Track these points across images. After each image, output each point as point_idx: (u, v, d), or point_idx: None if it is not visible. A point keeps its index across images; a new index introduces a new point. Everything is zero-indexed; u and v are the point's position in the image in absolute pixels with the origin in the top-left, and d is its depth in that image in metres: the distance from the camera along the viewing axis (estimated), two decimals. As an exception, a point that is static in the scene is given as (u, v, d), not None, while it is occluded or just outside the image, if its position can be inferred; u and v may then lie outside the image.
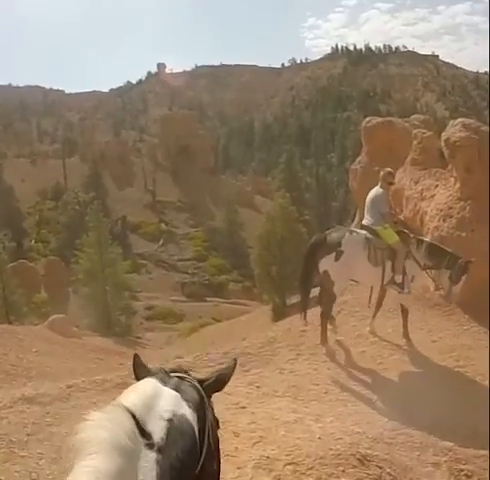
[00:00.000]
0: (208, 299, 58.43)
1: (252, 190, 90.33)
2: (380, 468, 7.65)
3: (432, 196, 18.78)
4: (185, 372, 2.55)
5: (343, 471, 7.35)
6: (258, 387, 10.25)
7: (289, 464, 7.40)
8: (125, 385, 7.84)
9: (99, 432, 1.99)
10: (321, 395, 10.18)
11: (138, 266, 65.10)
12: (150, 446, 2.07)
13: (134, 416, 2.09)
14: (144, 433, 2.08)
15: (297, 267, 29.81)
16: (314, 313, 14.05)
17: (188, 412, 2.25)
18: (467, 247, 15.90)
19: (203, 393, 2.43)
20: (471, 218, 16.64)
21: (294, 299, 27.73)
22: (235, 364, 2.74)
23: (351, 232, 12.31)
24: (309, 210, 71.62)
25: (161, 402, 2.19)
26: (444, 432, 9.14)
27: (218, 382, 2.57)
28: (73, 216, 64.24)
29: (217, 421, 2.63)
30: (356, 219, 27.51)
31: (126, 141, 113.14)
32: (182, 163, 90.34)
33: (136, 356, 2.61)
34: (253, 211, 75.07)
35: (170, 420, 2.15)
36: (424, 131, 22.75)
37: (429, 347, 12.52)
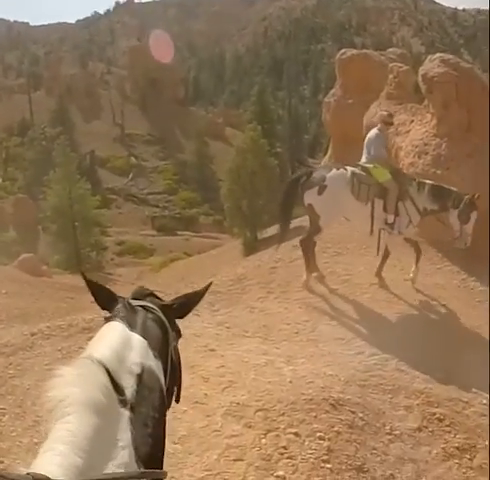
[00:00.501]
0: (179, 233, 58.09)
1: (223, 122, 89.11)
2: (353, 413, 7.52)
3: (407, 132, 18.44)
4: (149, 295, 2.61)
5: (315, 417, 7.18)
6: (228, 328, 10.02)
7: (260, 410, 7.20)
8: (90, 330, 7.52)
9: (73, 390, 1.82)
10: (292, 335, 9.99)
11: (108, 201, 64.23)
12: (123, 403, 1.95)
13: (108, 370, 1.95)
14: (118, 389, 1.95)
15: (268, 201, 29.75)
16: (285, 249, 13.81)
17: (155, 364, 2.23)
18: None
19: (167, 325, 2.48)
20: (447, 156, 16.37)
21: (265, 233, 27.57)
22: (206, 289, 2.84)
23: (338, 168, 12.04)
24: (281, 143, 70.85)
25: (131, 354, 2.13)
26: (416, 374, 9.05)
27: (182, 308, 2.67)
28: (40, 152, 62.83)
29: (180, 335, 2.73)
30: (328, 152, 27.18)
31: (93, 73, 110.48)
32: (151, 95, 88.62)
33: (91, 283, 2.57)
34: (224, 144, 74.13)
35: (139, 375, 2.09)
36: (400, 65, 22.26)
37: (402, 286, 12.37)
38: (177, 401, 2.68)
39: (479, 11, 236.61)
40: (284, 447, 6.67)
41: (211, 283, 2.99)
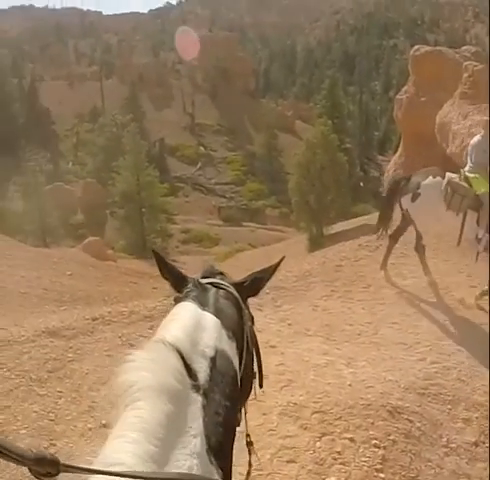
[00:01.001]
0: (244, 224, 58.23)
1: (293, 115, 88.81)
2: (410, 422, 7.38)
3: (481, 133, 18.08)
4: (220, 274, 2.54)
5: (372, 423, 7.07)
6: (290, 325, 9.97)
7: (317, 412, 7.14)
8: (152, 318, 7.59)
9: (144, 375, 1.75)
10: (354, 336, 9.87)
11: (175, 189, 64.88)
12: (196, 388, 1.87)
13: (181, 354, 1.87)
14: (191, 373, 1.88)
15: (336, 197, 29.52)
16: (351, 247, 13.69)
17: (228, 345, 2.16)
18: (514, 189, 15.30)
19: (241, 303, 2.44)
20: (521, 157, 15.97)
21: (331, 230, 27.41)
22: (277, 266, 2.74)
23: (435, 175, 11.82)
24: (350, 138, 70.23)
25: (204, 335, 2.05)
26: (477, 385, 8.83)
27: (254, 285, 2.60)
28: (110, 138, 63.81)
29: (252, 318, 2.66)
30: (399, 150, 26.82)
31: (165, 63, 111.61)
32: (222, 86, 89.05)
33: (160, 260, 2.50)
34: (293, 137, 73.93)
35: (213, 359, 2.01)
36: (475, 64, 21.82)
37: (468, 292, 12.06)
38: (260, 386, 2.65)
39: None
40: (338, 452, 6.59)
41: (282, 259, 2.85)
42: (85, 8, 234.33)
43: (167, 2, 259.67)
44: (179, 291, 2.37)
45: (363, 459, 6.54)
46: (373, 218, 22.46)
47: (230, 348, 2.15)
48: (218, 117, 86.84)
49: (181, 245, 51.58)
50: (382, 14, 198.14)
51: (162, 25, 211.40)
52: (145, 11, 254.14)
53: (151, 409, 1.68)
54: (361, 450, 6.67)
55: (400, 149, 26.47)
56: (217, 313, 2.19)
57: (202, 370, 1.92)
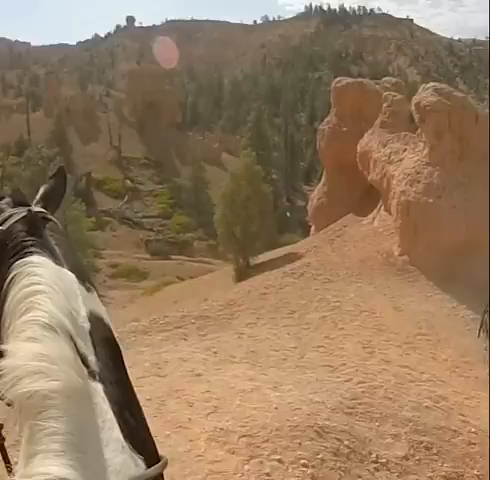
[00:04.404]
0: (173, 257, 57.98)
1: (219, 147, 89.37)
2: (338, 440, 7.45)
3: (400, 160, 18.58)
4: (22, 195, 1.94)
5: (300, 444, 7.12)
6: (215, 353, 9.96)
7: (243, 436, 7.14)
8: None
9: (46, 380, 1.43)
10: (280, 361, 9.95)
11: (102, 223, 64.23)
12: (92, 375, 1.57)
13: (72, 340, 1.53)
14: (83, 360, 1.55)
15: (261, 227, 29.83)
16: (276, 276, 13.83)
17: (91, 302, 1.73)
18: (434, 213, 15.78)
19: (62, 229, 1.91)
20: (438, 184, 16.47)
21: (257, 259, 27.58)
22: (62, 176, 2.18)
23: None
24: (276, 169, 71.09)
25: (75, 305, 1.63)
26: (404, 402, 9.01)
27: (54, 201, 2.05)
28: (36, 171, 62.71)
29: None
30: (322, 179, 27.30)
31: (92, 95, 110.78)
32: (149, 119, 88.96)
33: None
34: (220, 169, 74.24)
35: (91, 332, 1.65)
36: (395, 94, 22.48)
37: (391, 313, 12.36)
38: None
39: (474, 41, 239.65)
40: (267, 474, 6.60)
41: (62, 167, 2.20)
42: (14, 38, 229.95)
43: (95, 34, 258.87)
44: None
45: (292, 479, 6.57)
46: (298, 247, 22.86)
47: (93, 303, 1.75)
48: (145, 150, 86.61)
49: (109, 280, 50.92)
50: (307, 47, 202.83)
51: (90, 57, 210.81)
52: (73, 43, 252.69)
53: (65, 415, 1.44)
54: (290, 470, 6.70)
55: (323, 178, 26.92)
56: (67, 262, 1.73)
57: (89, 351, 1.61)
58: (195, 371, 8.97)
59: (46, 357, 1.46)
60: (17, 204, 1.86)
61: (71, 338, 1.54)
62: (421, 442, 8.07)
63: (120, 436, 1.55)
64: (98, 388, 1.56)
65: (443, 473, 7.61)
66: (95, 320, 1.69)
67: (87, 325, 1.64)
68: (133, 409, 1.71)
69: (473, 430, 8.53)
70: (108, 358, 1.68)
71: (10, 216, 1.78)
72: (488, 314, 12.07)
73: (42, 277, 1.61)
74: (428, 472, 7.59)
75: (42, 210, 1.86)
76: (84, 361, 1.55)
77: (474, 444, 8.19)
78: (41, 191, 2.05)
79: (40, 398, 1.43)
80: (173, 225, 68.39)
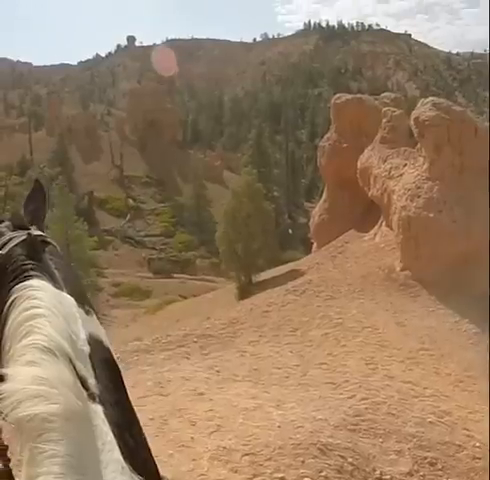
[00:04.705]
0: (175, 275, 57.94)
1: (221, 165, 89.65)
2: (342, 457, 7.43)
3: (400, 175, 18.62)
4: (30, 224, 1.91)
5: (303, 462, 7.10)
6: (218, 371, 9.95)
7: (246, 455, 7.12)
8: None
9: (46, 403, 1.45)
10: (282, 379, 9.93)
11: (105, 242, 64.30)
12: (92, 398, 1.57)
13: (72, 363, 1.55)
14: (83, 383, 1.57)
15: (263, 245, 29.87)
16: (278, 293, 13.84)
17: (91, 325, 1.73)
18: (434, 228, 15.79)
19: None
20: (439, 199, 16.49)
21: (259, 277, 27.59)
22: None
23: None
24: (278, 186, 71.28)
25: (74, 328, 1.65)
26: (408, 417, 8.98)
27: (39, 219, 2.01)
28: (39, 191, 63.21)
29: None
30: (324, 195, 27.36)
31: (94, 115, 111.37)
32: (150, 137, 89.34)
33: None
34: (221, 187, 74.42)
35: (90, 355, 1.66)
36: (394, 109, 22.58)
37: (394, 329, 12.35)
38: None
39: (473, 54, 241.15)
40: (271, 492, 6.60)
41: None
42: (15, 59, 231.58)
43: (96, 54, 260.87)
44: None
45: (296, 497, 6.55)
46: (300, 263, 22.88)
47: (92, 326, 1.76)
48: (147, 169, 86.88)
49: (112, 299, 50.88)
50: (307, 64, 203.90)
51: (91, 77, 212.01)
52: (74, 63, 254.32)
53: (65, 438, 1.47)
54: (294, 488, 6.69)
55: (324, 194, 26.98)
56: (66, 286, 1.74)
57: (89, 374, 1.62)
58: (198, 390, 8.96)
59: (45, 380, 1.48)
60: (17, 227, 1.86)
61: (70, 361, 1.55)
62: (425, 458, 8.04)
63: (120, 457, 1.55)
64: (98, 410, 1.57)
65: (448, 489, 7.59)
66: (94, 343, 1.69)
67: (87, 348, 1.65)
68: (133, 430, 1.70)
69: (478, 444, 8.50)
70: (108, 380, 1.68)
71: (10, 240, 1.79)
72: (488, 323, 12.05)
73: (42, 301, 1.62)
74: (432, 488, 7.58)
75: (41, 233, 1.86)
76: (84, 384, 1.57)
77: (479, 458, 8.17)
78: (24, 211, 2.01)
79: (40, 421, 1.45)
80: (175, 243, 68.41)
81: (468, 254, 15.75)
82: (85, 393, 1.55)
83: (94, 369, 1.63)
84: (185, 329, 12.61)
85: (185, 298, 41.89)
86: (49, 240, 1.86)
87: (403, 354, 11.68)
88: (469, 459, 8.17)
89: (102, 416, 1.58)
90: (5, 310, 1.65)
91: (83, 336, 1.67)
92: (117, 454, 1.56)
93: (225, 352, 11.03)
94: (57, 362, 1.53)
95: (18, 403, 1.44)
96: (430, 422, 8.95)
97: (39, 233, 1.85)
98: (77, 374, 1.55)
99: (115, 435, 1.58)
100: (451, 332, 13.43)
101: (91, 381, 1.60)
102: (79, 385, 1.54)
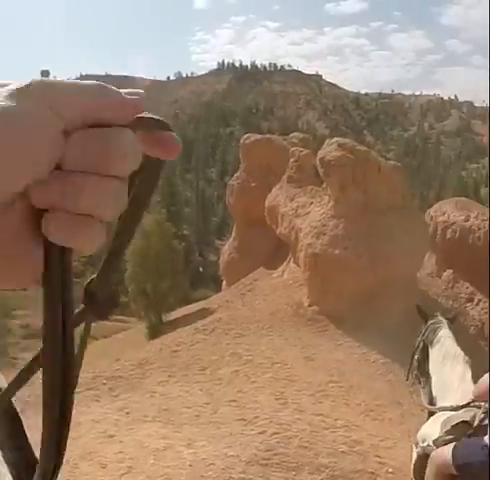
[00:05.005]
0: (85, 316, 57.10)
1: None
2: (253, 493, 7.49)
3: (307, 213, 19.04)
4: None
5: (213, 499, 7.13)
6: (127, 413, 9.88)
7: (157, 495, 7.11)
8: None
9: None
10: (193, 418, 9.93)
11: (13, 283, 62.72)
12: None
13: None
14: None
15: (173, 284, 29.81)
16: (188, 332, 13.87)
17: None
18: (340, 264, 16.22)
19: None
20: (344, 236, 16.96)
21: (170, 316, 27.49)
22: None
23: None
24: (188, 225, 71.66)
25: None
26: (320, 449, 9.10)
27: None
28: None
29: None
30: (233, 234, 27.63)
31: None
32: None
33: None
34: (133, 226, 74.08)
35: None
36: (301, 149, 23.12)
37: (303, 364, 12.56)
38: None
39: (381, 95, 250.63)
40: None
41: None
42: None
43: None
44: None
45: None
46: (210, 302, 22.98)
47: None
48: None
49: (22, 341, 49.42)
50: (219, 103, 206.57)
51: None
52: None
53: None
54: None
55: (234, 233, 27.24)
56: None
57: None
58: (108, 432, 8.87)
59: None
60: None
61: None
62: (339, 486, 8.18)
63: None
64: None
65: (362, 519, 7.73)
66: None
67: None
68: (31, 471, 1.80)
69: (390, 470, 8.67)
70: (7, 426, 1.77)
71: None
72: None
73: None
74: (348, 516, 7.70)
75: None
76: None
77: None
78: None
79: None
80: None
81: (373, 288, 16.23)
82: None
83: None
84: (94, 371, 12.45)
85: (96, 339, 41.17)
86: None
87: (313, 387, 11.87)
88: (384, 485, 8.33)
89: (0, 458, 1.70)
90: None
91: None
92: None
93: (134, 393, 10.96)
94: None
95: None
96: (342, 452, 9.09)
97: None
98: None
99: (13, 476, 1.73)
100: (359, 364, 13.76)
101: None
102: None
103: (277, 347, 12.58)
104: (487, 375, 4.25)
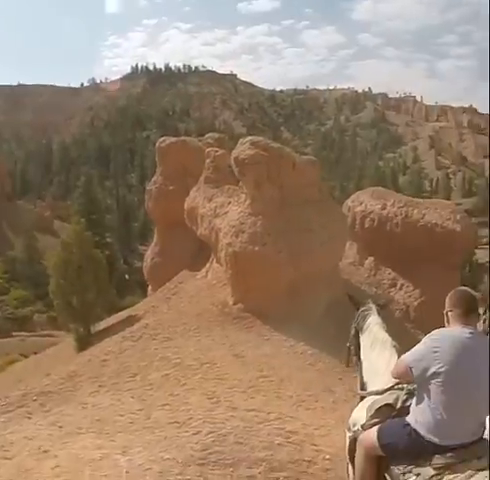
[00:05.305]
0: (14, 333, 55.80)
1: (51, 215, 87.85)
2: (192, 493, 7.58)
3: (225, 213, 19.24)
4: None
5: (153, 502, 7.22)
6: (61, 427, 9.84)
7: (96, 505, 7.16)
8: None
9: None
10: (127, 426, 9.98)
11: None
12: None
13: None
14: None
15: (98, 293, 29.49)
16: (115, 341, 13.89)
17: None
18: (260, 260, 16.48)
19: None
20: (262, 232, 17.21)
21: (99, 326, 27.23)
22: None
23: None
24: (110, 232, 70.82)
25: None
26: (255, 444, 9.21)
27: None
28: None
29: None
30: (155, 238, 27.62)
31: None
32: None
33: None
34: (53, 237, 72.75)
35: None
36: (216, 149, 23.29)
37: (232, 361, 12.73)
38: None
39: (296, 91, 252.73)
40: None
41: None
42: None
43: None
44: None
45: None
46: (137, 309, 22.93)
47: None
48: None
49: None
50: (135, 107, 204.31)
51: None
52: None
53: None
54: None
55: (155, 237, 27.27)
56: None
57: None
58: (42, 448, 8.83)
59: None
60: None
61: None
62: (277, 478, 8.31)
63: None
64: None
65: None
66: None
67: None
68: None
69: (327, 457, 8.77)
70: None
71: None
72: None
73: None
74: (286, 507, 7.83)
75: None
76: None
77: (330, 470, 8.48)
78: None
79: None
80: (10, 300, 65.75)
81: (295, 281, 16.56)
82: None
83: None
84: (24, 388, 12.36)
85: (26, 357, 40.40)
86: None
87: (244, 384, 12.03)
88: (322, 472, 8.39)
89: None
90: None
91: None
92: None
93: (66, 406, 10.92)
94: None
95: None
96: (278, 444, 9.19)
97: None
98: None
99: None
100: (288, 356, 14.01)
101: None
102: None
103: (205, 347, 12.73)
104: (404, 355, 4.49)
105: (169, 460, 8.43)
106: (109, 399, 11.11)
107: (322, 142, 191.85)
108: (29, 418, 9.59)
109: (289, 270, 16.59)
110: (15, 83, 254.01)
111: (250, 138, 20.14)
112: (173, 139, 27.97)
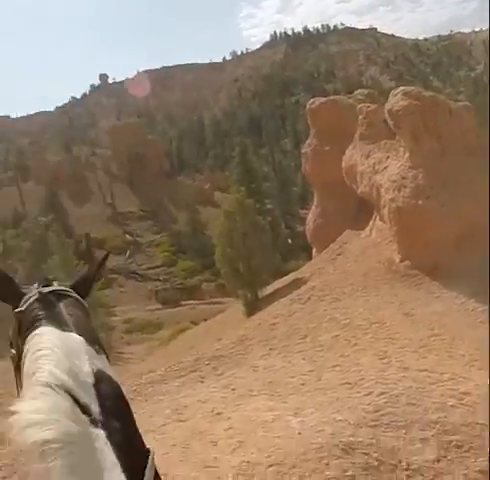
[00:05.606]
0: (184, 303, 57.98)
1: (210, 187, 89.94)
2: (366, 454, 7.43)
3: (385, 168, 18.71)
4: (53, 280, 2.29)
5: (327, 464, 7.11)
6: (233, 389, 9.98)
7: (271, 466, 7.14)
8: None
9: (46, 430, 1.64)
10: (298, 387, 9.95)
11: (109, 281, 64.27)
12: (94, 423, 1.75)
13: (69, 393, 1.76)
14: (84, 410, 1.76)
15: (263, 259, 29.90)
16: (284, 304, 13.89)
17: (100, 362, 1.98)
18: (425, 214, 15.87)
19: (85, 304, 2.26)
20: (425, 185, 16.56)
21: (266, 291, 27.63)
22: (102, 262, 2.56)
23: None
24: (270, 199, 71.47)
25: (77, 362, 1.89)
26: (428, 405, 8.96)
27: (86, 285, 2.41)
28: (36, 241, 63.16)
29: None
30: (314, 200, 27.49)
31: (78, 157, 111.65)
32: (137, 171, 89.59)
33: None
34: (214, 208, 74.54)
35: (95, 385, 1.86)
36: (368, 105, 22.68)
37: (402, 320, 12.38)
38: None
39: (440, 37, 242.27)
40: (299, 499, 6.61)
41: (107, 255, 2.68)
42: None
43: (72, 97, 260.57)
44: (12, 303, 2.16)
45: (324, 499, 6.55)
46: (302, 271, 22.92)
47: (101, 363, 2.00)
48: (139, 203, 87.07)
49: (125, 335, 50.74)
50: (279, 74, 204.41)
51: (70, 120, 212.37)
52: (52, 109, 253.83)
53: (61, 458, 1.63)
54: (321, 491, 6.69)
55: (315, 200, 27.10)
56: (77, 329, 2.02)
57: (92, 401, 1.81)
58: (215, 410, 8.99)
59: (42, 410, 1.69)
60: (44, 286, 2.20)
61: (70, 391, 1.76)
62: (450, 441, 8.01)
63: (122, 476, 1.70)
64: (100, 434, 1.74)
65: (478, 468, 7.54)
66: (101, 376, 1.90)
67: (90, 379, 1.85)
68: (135, 452, 1.86)
69: None
70: (114, 409, 1.86)
71: (29, 298, 2.12)
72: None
73: (45, 343, 1.90)
74: (462, 470, 7.52)
75: (63, 288, 2.19)
76: (86, 411, 1.75)
77: None
78: (76, 278, 2.43)
79: (38, 446, 1.62)
80: (179, 271, 68.42)
81: (461, 235, 15.83)
82: (87, 418, 1.73)
83: (98, 398, 1.82)
84: (196, 353, 12.67)
85: (196, 324, 41.81)
86: (70, 293, 2.19)
87: (415, 343, 11.70)
88: (495, 436, 8.11)
89: (104, 439, 1.73)
90: (23, 357, 1.95)
91: (87, 369, 1.88)
92: (117, 473, 1.70)
93: (238, 370, 11.06)
94: (54, 394, 1.73)
95: (20, 431, 1.63)
96: (451, 406, 8.92)
97: (59, 288, 2.19)
98: (78, 402, 1.74)
99: (117, 457, 1.74)
100: (459, 314, 13.46)
101: (94, 408, 1.78)
102: (78, 411, 1.72)
103: (374, 307, 12.44)
104: None
105: (341, 421, 8.32)
106: (280, 361, 11.15)
107: (474, 88, 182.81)
108: (202, 382, 9.78)
109: (453, 224, 15.86)
110: (159, 66, 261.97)
111: (402, 88, 19.41)
112: (323, 99, 27.59)
